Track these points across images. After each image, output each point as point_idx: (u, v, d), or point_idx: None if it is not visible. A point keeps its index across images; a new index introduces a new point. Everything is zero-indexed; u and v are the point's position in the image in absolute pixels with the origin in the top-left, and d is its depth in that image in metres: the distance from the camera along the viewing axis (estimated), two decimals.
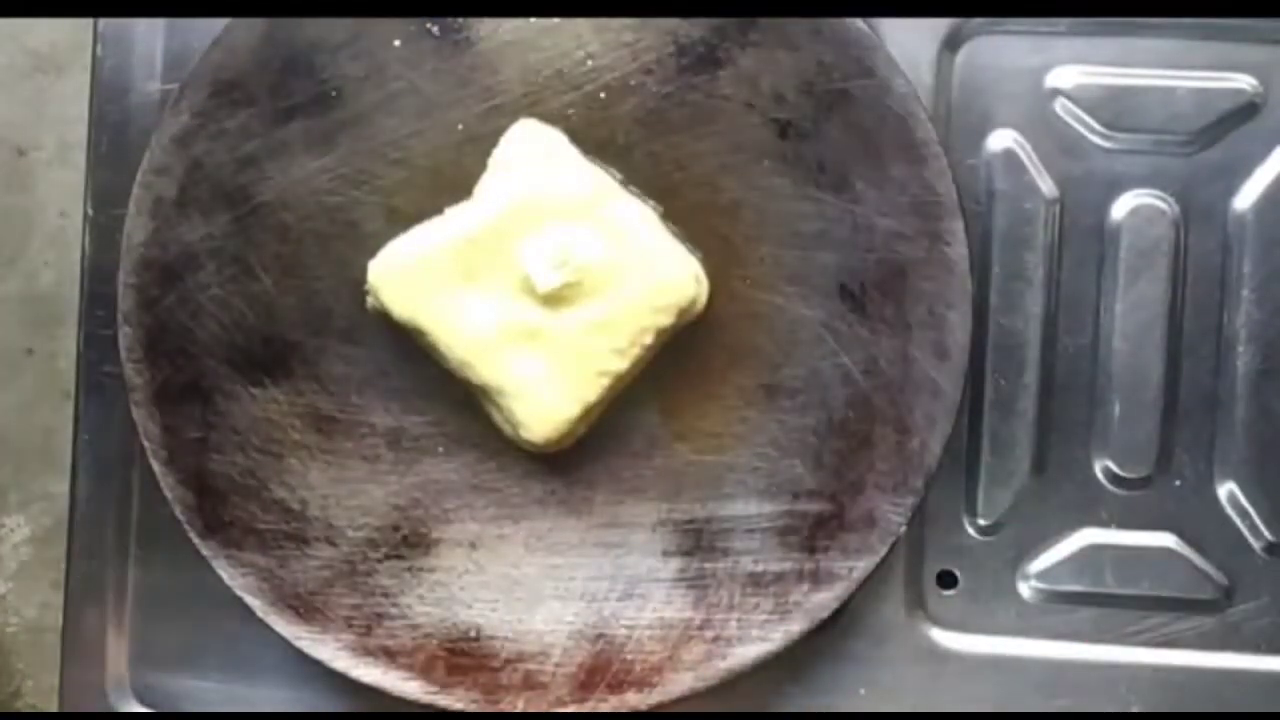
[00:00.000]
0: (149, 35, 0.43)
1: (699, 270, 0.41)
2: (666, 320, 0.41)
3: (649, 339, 0.41)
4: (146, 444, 0.41)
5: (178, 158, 0.41)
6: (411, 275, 0.41)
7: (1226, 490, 0.43)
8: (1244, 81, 0.43)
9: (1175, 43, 0.43)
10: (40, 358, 0.46)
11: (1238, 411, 0.43)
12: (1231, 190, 0.43)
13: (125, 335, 0.41)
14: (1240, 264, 0.43)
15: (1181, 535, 0.43)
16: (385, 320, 0.41)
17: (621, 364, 0.41)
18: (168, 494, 0.41)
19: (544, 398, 0.41)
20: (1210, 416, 0.43)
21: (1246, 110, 0.43)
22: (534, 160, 0.41)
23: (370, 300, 0.41)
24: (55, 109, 0.46)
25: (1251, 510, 0.43)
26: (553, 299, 0.41)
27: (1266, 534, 0.43)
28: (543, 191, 0.41)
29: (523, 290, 0.41)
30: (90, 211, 0.44)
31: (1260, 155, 0.43)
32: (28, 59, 0.46)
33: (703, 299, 0.41)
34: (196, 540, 0.41)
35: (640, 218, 0.41)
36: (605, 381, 0.41)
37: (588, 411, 0.41)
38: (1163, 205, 0.43)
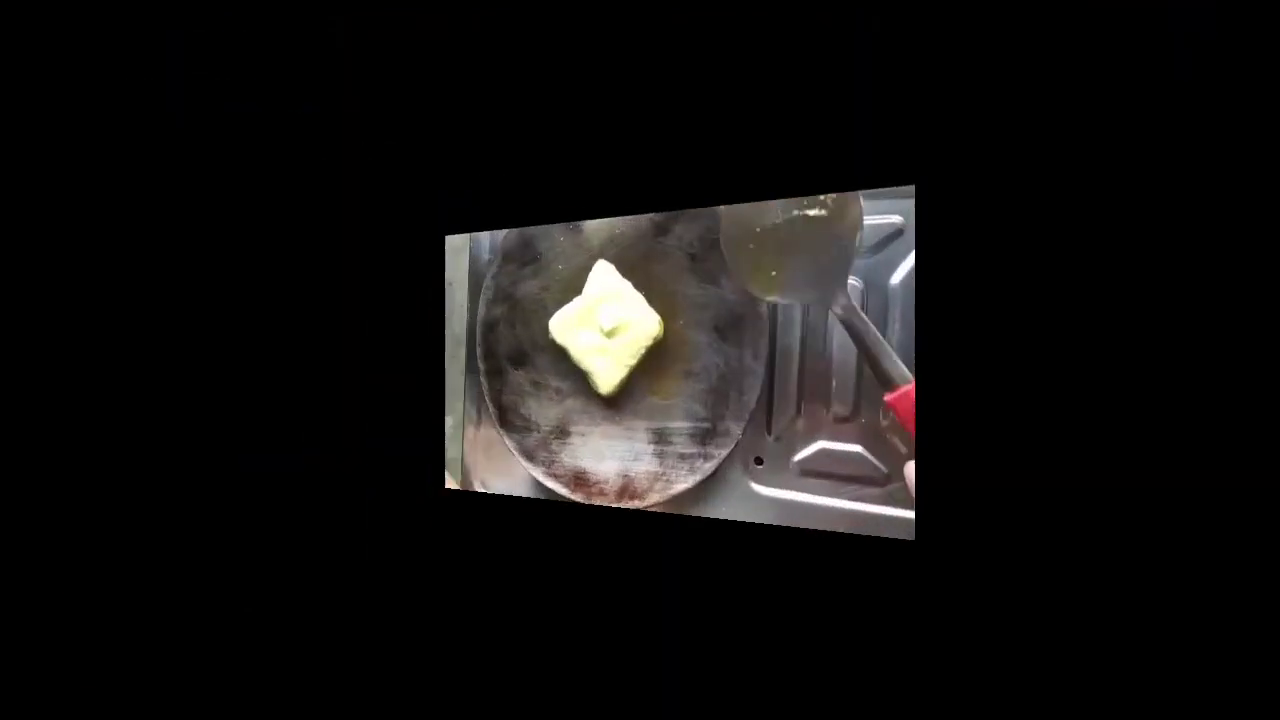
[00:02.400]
0: (486, 235, 1.08)
1: (659, 321, 0.96)
2: (648, 343, 0.96)
3: (643, 351, 0.96)
4: (486, 396, 1.07)
5: (494, 284, 1.06)
6: (562, 325, 1.01)
7: None
8: (895, 219, 0.85)
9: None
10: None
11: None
12: (890, 274, 0.85)
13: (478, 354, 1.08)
14: (894, 315, 0.85)
15: (864, 444, 0.87)
16: (554, 345, 1.02)
17: (633, 361, 0.97)
18: (492, 413, 1.07)
19: (606, 374, 0.98)
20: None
21: (896, 234, 0.85)
22: (602, 279, 0.99)
23: (551, 336, 1.02)
24: (454, 271, 1.14)
25: None
26: (609, 333, 0.98)
27: None
28: (605, 290, 0.98)
29: (599, 329, 0.99)
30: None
31: (903, 256, 0.84)
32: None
33: (660, 334, 0.96)
34: (500, 431, 1.06)
35: (639, 301, 0.96)
36: (627, 368, 0.97)
37: (622, 382, 0.97)
38: (855, 282, 0.86)
